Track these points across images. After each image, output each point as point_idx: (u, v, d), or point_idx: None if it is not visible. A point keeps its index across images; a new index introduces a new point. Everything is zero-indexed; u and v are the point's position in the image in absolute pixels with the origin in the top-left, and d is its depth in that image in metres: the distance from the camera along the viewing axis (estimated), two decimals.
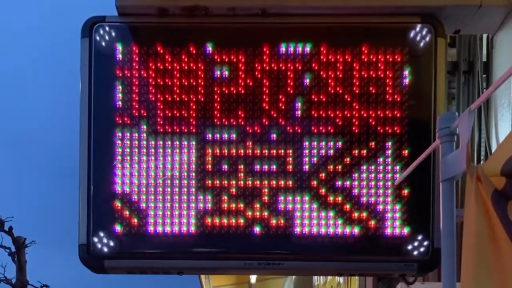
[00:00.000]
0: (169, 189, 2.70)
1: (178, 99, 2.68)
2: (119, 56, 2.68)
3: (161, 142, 2.69)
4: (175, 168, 2.69)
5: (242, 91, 2.67)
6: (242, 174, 2.69)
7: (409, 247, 2.66)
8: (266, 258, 2.73)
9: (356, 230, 2.67)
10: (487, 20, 2.73)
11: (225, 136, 2.68)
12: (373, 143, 2.66)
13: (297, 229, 2.69)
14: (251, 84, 2.67)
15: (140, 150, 2.69)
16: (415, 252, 2.65)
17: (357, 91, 2.65)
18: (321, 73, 2.66)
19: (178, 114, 2.68)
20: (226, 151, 2.68)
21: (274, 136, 2.68)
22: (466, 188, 1.66)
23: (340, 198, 2.67)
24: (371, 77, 2.65)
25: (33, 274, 14.95)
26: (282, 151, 2.68)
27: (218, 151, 2.69)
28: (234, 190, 2.69)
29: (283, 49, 2.66)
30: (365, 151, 2.66)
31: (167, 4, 2.68)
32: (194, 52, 2.67)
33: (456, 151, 1.78)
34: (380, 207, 2.66)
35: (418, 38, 2.64)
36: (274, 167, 2.68)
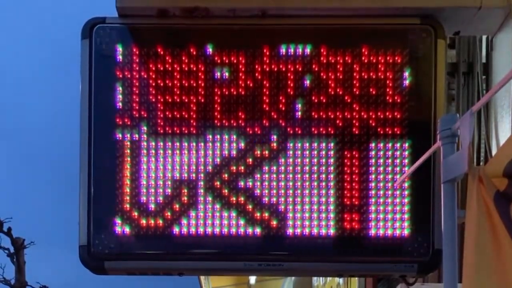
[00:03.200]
0: (169, 191, 2.70)
1: (178, 100, 2.68)
2: (119, 57, 2.68)
3: (161, 143, 2.69)
4: (175, 169, 2.69)
5: (242, 92, 2.67)
6: (242, 175, 2.69)
7: (409, 248, 2.66)
8: (266, 259, 2.73)
9: (356, 231, 2.68)
10: (486, 21, 2.73)
11: (225, 137, 2.69)
12: (373, 144, 2.66)
13: (298, 230, 2.69)
14: (251, 85, 2.67)
15: (141, 151, 2.70)
16: (415, 253, 2.65)
17: (357, 93, 2.65)
18: (321, 74, 2.66)
19: (178, 115, 2.68)
20: (226, 152, 2.69)
21: (274, 137, 2.68)
22: (467, 189, 1.66)
23: (340, 200, 2.68)
24: (371, 78, 2.65)
25: (32, 275, 14.96)
26: (282, 152, 2.68)
27: (218, 152, 2.69)
28: (234, 191, 2.69)
29: (283, 50, 2.66)
30: (365, 152, 2.67)
31: (167, 5, 2.68)
32: (194, 53, 2.67)
33: (458, 153, 1.78)
34: (381, 208, 2.67)
35: (418, 39, 2.64)
36: (274, 168, 2.69)
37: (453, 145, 1.87)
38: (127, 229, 2.70)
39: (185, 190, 2.69)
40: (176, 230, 2.69)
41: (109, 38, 2.68)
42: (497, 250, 1.58)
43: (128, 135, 2.69)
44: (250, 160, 2.68)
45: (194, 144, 2.69)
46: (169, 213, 2.69)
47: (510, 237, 1.54)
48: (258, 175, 2.68)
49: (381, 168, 2.67)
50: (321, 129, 2.66)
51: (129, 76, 2.68)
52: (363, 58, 2.65)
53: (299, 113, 2.67)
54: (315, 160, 2.68)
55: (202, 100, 2.68)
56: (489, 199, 1.58)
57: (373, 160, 2.66)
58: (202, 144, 2.69)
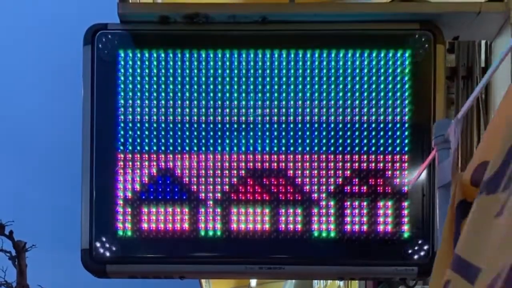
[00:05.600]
0: (170, 194, 2.72)
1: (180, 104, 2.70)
2: (121, 63, 2.70)
3: (163, 147, 2.71)
4: (177, 173, 2.71)
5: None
6: (243, 179, 2.71)
7: (410, 251, 2.67)
8: (267, 262, 2.75)
9: (357, 234, 2.69)
10: (485, 26, 2.75)
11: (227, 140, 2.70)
12: (373, 148, 2.68)
13: (298, 233, 2.70)
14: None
15: (142, 155, 2.72)
16: (416, 256, 2.67)
17: (357, 97, 2.67)
18: (321, 79, 2.68)
19: (179, 119, 2.70)
20: (227, 156, 2.71)
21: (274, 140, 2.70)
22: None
23: (340, 203, 2.69)
24: (371, 83, 2.67)
25: (33, 278, 14.95)
26: (283, 156, 2.70)
27: (219, 156, 2.71)
28: (235, 194, 2.71)
29: (283, 56, 2.69)
30: (365, 156, 2.68)
31: (169, 11, 2.70)
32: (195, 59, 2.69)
33: (449, 159, 1.79)
34: (381, 211, 2.68)
35: (417, 44, 2.66)
36: (275, 172, 2.70)
37: (448, 151, 1.88)
38: (128, 233, 2.72)
39: (186, 194, 2.71)
40: (177, 233, 2.71)
41: (111, 44, 2.70)
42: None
43: (130, 140, 2.71)
44: (251, 164, 2.70)
45: (196, 148, 2.71)
46: (170, 217, 2.71)
47: (453, 250, 1.50)
48: (259, 179, 2.70)
49: (381, 171, 2.68)
50: (321, 132, 2.68)
51: (130, 81, 2.70)
52: (363, 63, 2.67)
53: (299, 117, 2.69)
54: (316, 163, 2.69)
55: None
56: (455, 207, 1.57)
57: (373, 163, 2.68)
58: (203, 147, 2.70)
